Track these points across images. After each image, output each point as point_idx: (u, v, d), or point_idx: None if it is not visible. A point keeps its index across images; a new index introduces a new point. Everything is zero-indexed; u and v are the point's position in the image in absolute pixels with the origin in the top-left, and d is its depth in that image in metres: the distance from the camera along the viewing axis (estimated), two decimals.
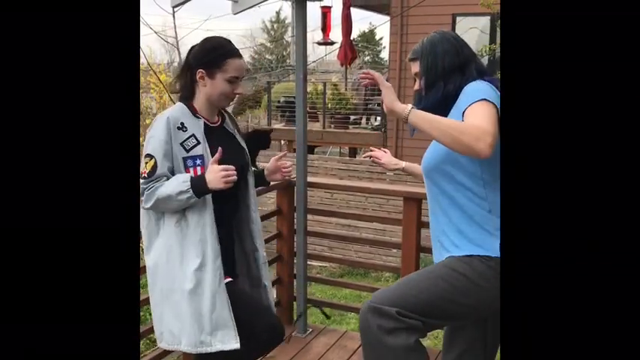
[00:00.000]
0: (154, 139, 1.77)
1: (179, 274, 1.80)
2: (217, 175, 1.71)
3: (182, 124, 1.80)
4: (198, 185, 1.73)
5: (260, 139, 2.56)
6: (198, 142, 1.81)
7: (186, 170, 1.79)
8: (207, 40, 1.87)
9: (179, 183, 1.73)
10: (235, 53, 1.85)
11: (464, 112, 1.55)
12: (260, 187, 2.33)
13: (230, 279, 1.89)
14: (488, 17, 8.39)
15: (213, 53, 1.83)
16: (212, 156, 1.82)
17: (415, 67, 1.77)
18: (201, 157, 1.80)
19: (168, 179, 1.77)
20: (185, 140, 1.80)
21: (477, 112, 1.51)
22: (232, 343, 1.81)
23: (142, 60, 10.01)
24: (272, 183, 2.30)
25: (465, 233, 1.64)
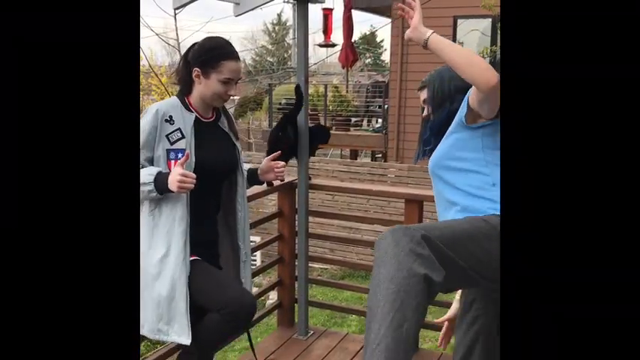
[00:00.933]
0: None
1: (144, 261, 1.84)
2: (174, 178, 1.74)
3: (170, 117, 1.86)
4: (161, 182, 1.76)
5: (320, 134, 2.66)
6: (183, 137, 1.86)
7: (168, 162, 1.84)
8: (207, 40, 1.91)
9: (146, 175, 1.77)
10: (232, 56, 1.89)
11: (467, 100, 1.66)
12: (265, 189, 2.37)
13: (196, 257, 1.90)
14: (490, 19, 8.41)
15: (210, 53, 1.87)
16: (200, 149, 1.88)
17: (423, 95, 1.85)
18: (182, 151, 1.84)
19: (143, 168, 1.81)
20: (171, 133, 1.85)
21: None
22: (184, 338, 1.84)
23: (144, 62, 10.03)
24: (279, 183, 2.32)
25: (471, 208, 1.65)
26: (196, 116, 1.91)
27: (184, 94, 1.93)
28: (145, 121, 1.83)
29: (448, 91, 1.79)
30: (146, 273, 1.85)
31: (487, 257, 1.56)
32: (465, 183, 1.68)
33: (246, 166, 2.18)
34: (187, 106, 1.91)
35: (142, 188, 1.75)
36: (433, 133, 1.82)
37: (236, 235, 2.06)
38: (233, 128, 2.05)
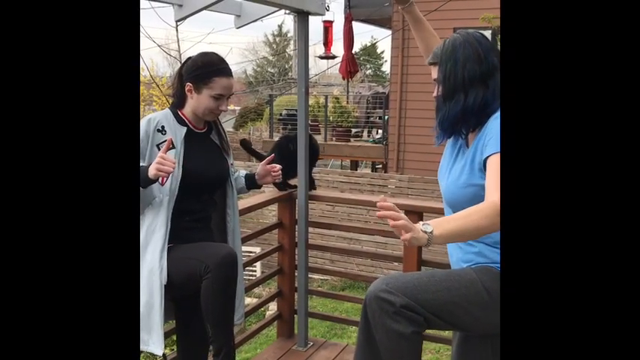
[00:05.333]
0: None
1: None
2: (154, 163, 1.73)
3: (162, 127, 1.89)
4: (143, 173, 1.76)
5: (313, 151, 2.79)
6: (173, 147, 1.88)
7: None
8: (201, 56, 1.95)
9: None
10: (224, 72, 1.92)
11: (487, 159, 1.51)
12: (265, 200, 2.39)
13: (171, 244, 1.89)
14: (489, 31, 8.44)
15: (202, 69, 1.90)
16: (189, 160, 1.90)
17: (434, 72, 1.66)
18: None
19: None
20: (162, 142, 1.87)
21: (497, 172, 1.44)
22: (159, 349, 1.84)
23: (145, 73, 10.06)
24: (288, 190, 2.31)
25: (488, 256, 1.61)
26: (188, 128, 1.95)
27: (177, 107, 1.97)
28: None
29: (462, 79, 1.57)
30: None
31: (476, 322, 1.57)
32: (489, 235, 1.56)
33: (242, 172, 2.22)
34: (180, 119, 1.95)
35: None
36: (444, 128, 1.63)
37: (227, 242, 2.07)
38: (223, 141, 2.08)
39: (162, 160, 1.72)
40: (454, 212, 1.66)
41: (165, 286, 1.85)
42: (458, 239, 1.49)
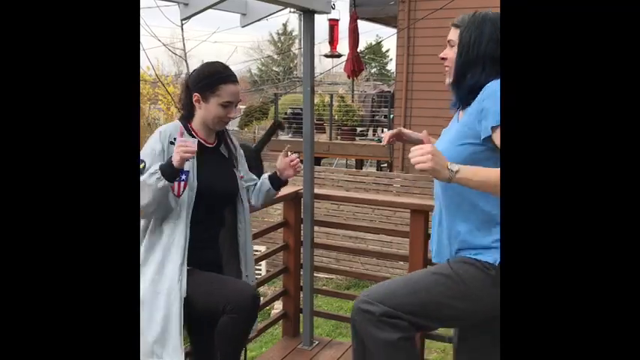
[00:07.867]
0: (146, 148, 1.88)
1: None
2: (177, 149, 1.74)
3: (175, 139, 1.89)
4: (165, 165, 1.77)
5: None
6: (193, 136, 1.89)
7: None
8: (205, 66, 1.97)
9: (152, 169, 1.79)
10: (230, 79, 1.93)
11: (494, 129, 1.51)
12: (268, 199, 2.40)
13: (190, 267, 1.89)
14: None
15: (209, 78, 1.92)
16: (199, 176, 1.90)
17: (454, 35, 1.64)
18: (186, 172, 1.86)
19: None
20: None
21: None
22: (177, 359, 1.84)
23: (151, 72, 10.10)
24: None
25: (469, 242, 1.62)
26: (199, 142, 1.93)
27: (186, 119, 1.97)
28: (151, 142, 1.87)
29: (483, 52, 1.58)
30: (141, 291, 1.84)
31: (459, 314, 1.61)
32: (477, 218, 1.61)
33: (264, 175, 2.22)
34: (190, 132, 1.95)
35: (149, 181, 1.74)
36: (460, 97, 1.65)
37: (239, 261, 2.07)
38: (232, 155, 2.07)
39: (183, 143, 1.73)
40: (447, 191, 1.66)
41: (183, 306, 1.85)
42: (478, 185, 1.46)
